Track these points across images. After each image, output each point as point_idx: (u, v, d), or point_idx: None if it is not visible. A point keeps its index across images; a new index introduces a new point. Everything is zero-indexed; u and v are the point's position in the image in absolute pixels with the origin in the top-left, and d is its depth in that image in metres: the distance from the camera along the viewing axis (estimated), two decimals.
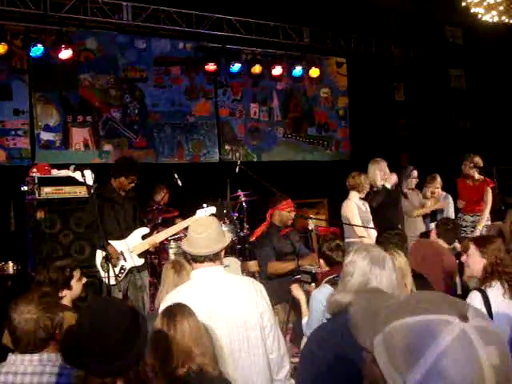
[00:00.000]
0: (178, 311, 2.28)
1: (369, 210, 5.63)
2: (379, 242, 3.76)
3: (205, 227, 2.77)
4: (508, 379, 0.86)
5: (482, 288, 2.96)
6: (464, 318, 0.87)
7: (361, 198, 5.59)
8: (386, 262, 2.11)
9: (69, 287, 3.10)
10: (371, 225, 5.50)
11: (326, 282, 3.60)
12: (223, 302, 2.63)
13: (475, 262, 3.09)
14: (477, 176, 6.60)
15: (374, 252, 2.17)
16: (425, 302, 0.92)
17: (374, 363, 0.92)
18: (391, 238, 4.01)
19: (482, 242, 3.14)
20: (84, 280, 3.23)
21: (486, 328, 0.88)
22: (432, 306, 0.90)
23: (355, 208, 5.45)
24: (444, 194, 6.75)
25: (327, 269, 3.87)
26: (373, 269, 2.07)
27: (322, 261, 3.93)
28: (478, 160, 6.62)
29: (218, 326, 2.56)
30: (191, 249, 2.75)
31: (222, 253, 2.82)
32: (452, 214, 6.55)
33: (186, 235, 6.43)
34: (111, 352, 1.64)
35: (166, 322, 2.24)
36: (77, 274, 3.17)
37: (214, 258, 2.73)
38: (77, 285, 3.16)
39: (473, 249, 3.12)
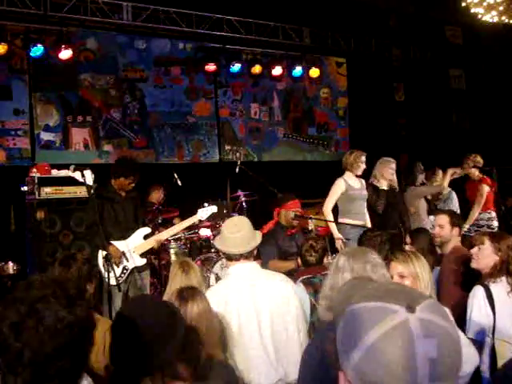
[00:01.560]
0: (189, 295, 2.32)
1: (365, 188, 5.67)
2: (360, 243, 3.72)
3: (238, 227, 2.90)
4: (449, 374, 0.89)
5: (486, 283, 2.98)
6: (411, 310, 0.90)
7: (357, 176, 5.60)
8: (365, 257, 2.24)
9: (91, 281, 3.00)
10: (363, 203, 5.56)
11: (300, 281, 3.60)
12: (264, 295, 2.76)
13: (487, 256, 3.09)
14: (476, 174, 6.61)
15: (356, 249, 2.36)
16: (383, 291, 0.96)
17: (334, 342, 0.97)
18: (371, 240, 3.94)
19: (497, 238, 3.15)
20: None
21: (432, 321, 0.90)
22: (386, 295, 0.94)
23: (340, 186, 5.49)
24: (449, 189, 6.74)
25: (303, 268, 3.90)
26: (348, 263, 2.23)
27: (299, 260, 3.94)
28: (478, 159, 6.64)
29: (260, 319, 2.71)
30: (226, 248, 2.87)
31: (255, 250, 2.97)
32: (456, 210, 6.51)
33: (184, 234, 6.43)
34: (149, 349, 1.63)
35: (177, 305, 2.26)
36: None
37: (248, 255, 2.87)
38: (94, 279, 3.06)
39: (488, 243, 3.11)
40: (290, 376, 2.72)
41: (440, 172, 6.71)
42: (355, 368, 0.90)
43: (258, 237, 2.97)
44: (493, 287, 2.94)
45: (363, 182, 5.72)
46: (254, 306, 2.72)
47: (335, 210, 5.74)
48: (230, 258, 2.88)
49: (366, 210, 5.61)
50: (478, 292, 2.96)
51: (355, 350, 0.90)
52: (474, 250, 3.19)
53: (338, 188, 5.51)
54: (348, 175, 5.59)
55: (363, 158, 5.60)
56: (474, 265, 3.19)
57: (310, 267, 3.80)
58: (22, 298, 1.37)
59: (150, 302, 1.80)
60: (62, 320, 1.34)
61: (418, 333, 0.87)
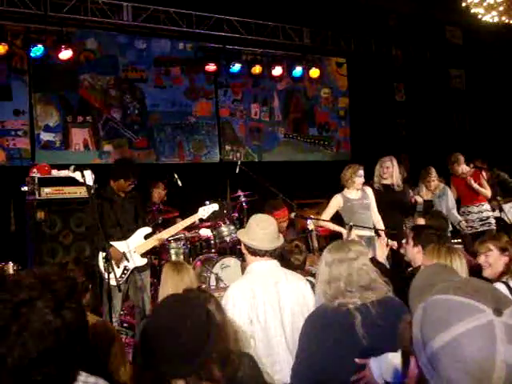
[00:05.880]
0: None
1: (370, 196, 5.59)
2: (421, 240, 3.53)
3: (268, 223, 2.93)
4: None
5: (504, 280, 3.05)
6: (499, 313, 0.90)
7: (358, 189, 5.52)
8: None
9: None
10: (365, 212, 5.51)
11: None
12: (287, 293, 2.84)
13: (496, 259, 3.14)
14: (466, 169, 6.66)
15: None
16: (471, 287, 0.97)
17: (409, 325, 1.00)
18: (432, 238, 3.65)
19: (497, 239, 3.25)
20: None
21: None
22: (475, 292, 0.94)
23: (337, 201, 5.48)
24: (442, 185, 6.71)
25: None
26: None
27: None
28: (457, 156, 6.68)
29: (283, 315, 2.80)
30: (256, 242, 2.87)
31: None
32: (452, 206, 6.48)
33: (185, 234, 6.40)
34: (185, 352, 1.56)
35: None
36: None
37: (272, 253, 2.92)
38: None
39: (493, 247, 3.17)
40: None
41: (433, 170, 6.67)
42: (431, 356, 0.92)
43: (281, 237, 3.01)
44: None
45: (367, 190, 5.63)
46: (278, 302, 2.80)
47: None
48: (255, 253, 2.90)
49: (371, 217, 5.50)
50: (499, 288, 3.00)
51: (435, 339, 0.92)
52: (482, 259, 3.21)
53: (335, 203, 5.51)
54: (345, 191, 5.57)
55: (360, 172, 5.51)
56: (486, 273, 3.18)
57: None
58: (7, 300, 1.29)
59: (185, 301, 1.71)
60: (48, 324, 1.27)
61: (502, 337, 0.88)
